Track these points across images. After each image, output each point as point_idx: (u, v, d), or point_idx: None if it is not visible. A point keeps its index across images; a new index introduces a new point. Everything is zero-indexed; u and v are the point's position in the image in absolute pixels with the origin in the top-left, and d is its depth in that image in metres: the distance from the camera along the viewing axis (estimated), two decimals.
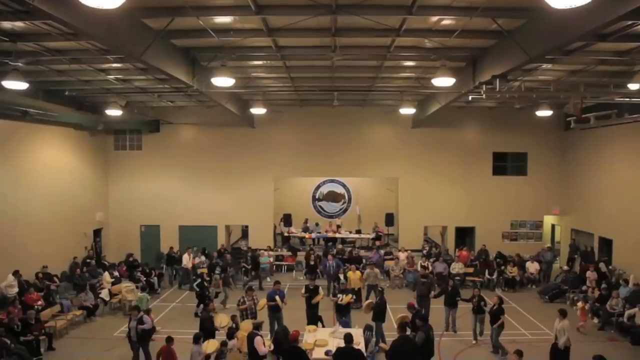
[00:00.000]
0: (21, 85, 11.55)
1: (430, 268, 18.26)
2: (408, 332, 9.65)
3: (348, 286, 14.80)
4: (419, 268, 18.42)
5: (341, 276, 15.38)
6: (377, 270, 15.94)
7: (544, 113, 16.31)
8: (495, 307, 11.75)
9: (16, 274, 14.01)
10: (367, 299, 14.88)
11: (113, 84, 15.38)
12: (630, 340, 12.56)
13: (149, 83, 15.63)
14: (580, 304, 13.83)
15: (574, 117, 14.91)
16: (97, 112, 18.97)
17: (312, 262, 16.31)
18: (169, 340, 9.93)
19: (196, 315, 14.06)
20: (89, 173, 19.74)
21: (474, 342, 12.48)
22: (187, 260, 18.23)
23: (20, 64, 11.66)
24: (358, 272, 15.42)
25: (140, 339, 10.81)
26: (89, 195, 19.69)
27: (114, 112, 16.70)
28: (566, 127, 19.45)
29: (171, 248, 19.66)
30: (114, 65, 13.06)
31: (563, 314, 10.32)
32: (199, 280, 15.63)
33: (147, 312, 12.29)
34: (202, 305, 14.09)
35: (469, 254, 19.07)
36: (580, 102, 13.30)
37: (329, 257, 16.02)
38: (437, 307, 13.66)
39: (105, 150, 21.08)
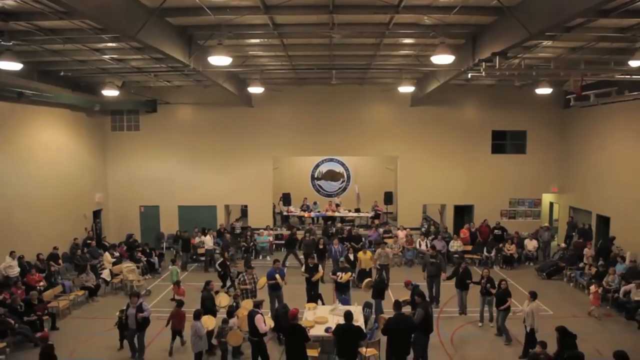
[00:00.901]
0: (15, 66, 11.38)
1: (430, 246, 18.40)
2: (403, 310, 9.72)
3: (359, 267, 14.83)
4: (420, 247, 18.52)
5: (351, 256, 15.34)
6: (388, 250, 15.88)
7: (544, 91, 16.20)
8: (501, 290, 11.50)
9: (12, 254, 14.04)
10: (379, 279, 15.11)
11: (109, 64, 15.23)
12: (625, 316, 12.76)
13: (145, 63, 15.47)
14: (593, 287, 13.36)
15: (574, 94, 14.79)
16: (93, 93, 18.83)
17: (320, 247, 16.26)
18: (180, 304, 11.01)
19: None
20: (86, 154, 19.66)
21: (480, 324, 12.41)
22: (210, 241, 18.32)
23: (12, 44, 11.47)
24: (369, 253, 15.38)
25: (139, 327, 10.49)
26: (87, 176, 19.66)
27: (110, 93, 16.54)
28: (566, 105, 19.34)
29: (183, 231, 19.60)
30: (109, 44, 12.91)
31: (533, 296, 10.30)
32: (221, 259, 15.74)
33: (177, 283, 12.55)
34: (228, 284, 14.64)
35: (467, 232, 19.18)
36: (580, 79, 13.17)
37: (335, 241, 16.00)
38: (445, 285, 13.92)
39: (103, 131, 20.97)
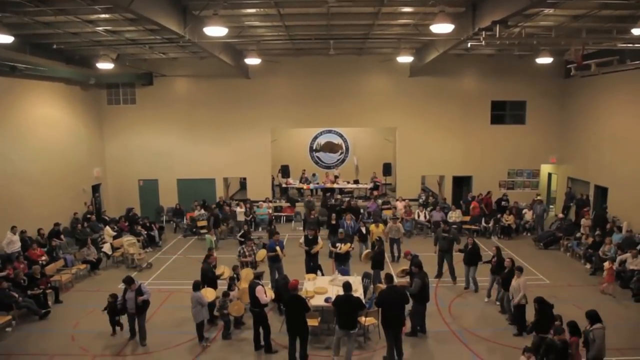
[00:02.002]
0: (6, 39, 11.16)
1: (428, 217, 18.55)
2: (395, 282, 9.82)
3: (371, 240, 14.88)
4: (418, 218, 18.59)
5: (363, 229, 15.38)
6: (399, 224, 16.02)
7: (544, 60, 16.00)
8: (507, 270, 10.92)
9: (14, 229, 14.10)
10: (391, 251, 15.39)
11: (102, 36, 14.95)
12: (620, 284, 12.92)
13: (140, 34, 15.20)
14: (607, 264, 12.76)
15: (575, 64, 14.60)
16: (87, 66, 18.56)
17: (333, 222, 16.23)
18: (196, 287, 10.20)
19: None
20: (83, 128, 19.52)
21: (486, 299, 12.18)
22: (240, 213, 18.60)
23: (2, 16, 11.23)
24: (381, 226, 15.58)
25: (140, 310, 9.96)
26: (85, 151, 19.57)
27: (105, 66, 16.30)
28: (566, 75, 19.15)
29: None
30: (102, 16, 12.65)
31: (520, 270, 10.19)
32: (242, 231, 15.87)
33: (210, 250, 12.45)
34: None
35: (478, 204, 19.16)
36: (581, 48, 12.99)
37: (347, 216, 15.88)
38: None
39: (99, 105, 20.76)
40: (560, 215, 18.75)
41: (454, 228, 14.79)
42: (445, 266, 13.69)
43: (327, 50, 17.37)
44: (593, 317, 8.13)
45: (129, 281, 10.05)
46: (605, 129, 17.63)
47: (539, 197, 19.48)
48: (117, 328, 10.61)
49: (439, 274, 13.79)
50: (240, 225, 18.52)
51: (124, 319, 10.51)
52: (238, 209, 19.11)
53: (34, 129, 16.34)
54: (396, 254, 15.61)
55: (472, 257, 12.64)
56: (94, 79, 18.78)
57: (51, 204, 16.75)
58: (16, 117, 15.58)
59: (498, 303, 11.56)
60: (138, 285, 10.03)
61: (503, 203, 19.80)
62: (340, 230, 14.47)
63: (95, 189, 20.43)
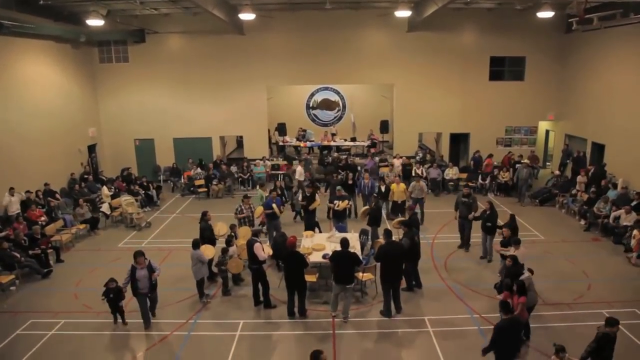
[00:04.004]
0: None
1: (425, 174, 18.58)
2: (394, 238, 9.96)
3: (391, 199, 14.77)
4: (422, 175, 18.44)
5: (382, 187, 15.07)
6: (422, 183, 15.07)
7: (545, 14, 15.60)
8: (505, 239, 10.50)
9: (11, 191, 14.11)
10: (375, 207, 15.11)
11: None
12: (613, 240, 13.16)
13: None
14: (636, 232, 12.03)
15: (576, 18, 14.28)
16: (77, 23, 18.00)
17: (350, 182, 15.97)
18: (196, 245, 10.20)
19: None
20: (76, 88, 19.19)
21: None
22: (300, 172, 18.01)
23: None
24: (402, 185, 14.89)
25: (153, 288, 9.20)
26: (79, 110, 19.31)
27: (95, 22, 15.77)
28: (567, 30, 18.76)
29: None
30: None
31: (517, 242, 9.68)
32: (302, 193, 15.78)
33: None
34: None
35: (492, 161, 19.03)
36: (584, 1, 12.68)
37: (365, 176, 15.52)
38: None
39: (91, 64, 20.33)
40: (557, 172, 18.82)
41: (473, 194, 13.23)
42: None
43: (323, 5, 16.89)
44: (514, 274, 8.29)
45: (140, 254, 9.03)
46: (605, 85, 17.41)
47: (524, 161, 18.67)
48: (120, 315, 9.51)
49: (463, 244, 12.92)
50: (301, 186, 17.00)
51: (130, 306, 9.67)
52: (298, 168, 18.21)
53: (25, 89, 16.04)
54: (419, 215, 14.49)
55: (486, 223, 11.76)
56: (84, 36, 18.29)
57: (47, 165, 16.68)
58: (6, 77, 15.24)
59: (499, 275, 10.59)
60: (148, 262, 9.07)
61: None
62: (338, 187, 14.53)
63: (92, 149, 20.31)
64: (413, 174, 18.15)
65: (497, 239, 11.48)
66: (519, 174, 17.35)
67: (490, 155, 19.37)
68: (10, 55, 15.44)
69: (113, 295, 9.17)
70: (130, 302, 9.61)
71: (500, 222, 11.80)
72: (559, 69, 20.42)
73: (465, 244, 12.90)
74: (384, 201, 15.16)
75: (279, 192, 14.15)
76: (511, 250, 9.59)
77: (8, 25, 14.30)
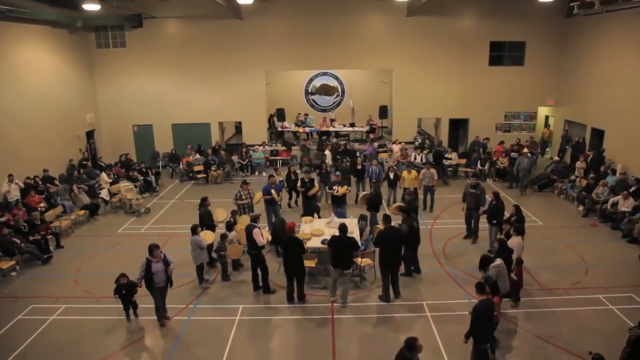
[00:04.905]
0: None
1: (425, 159, 18.53)
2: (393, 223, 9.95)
3: (402, 186, 14.67)
4: (415, 160, 18.51)
5: (391, 174, 14.97)
6: (433, 170, 14.80)
7: None
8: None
9: (10, 177, 14.06)
10: (424, 200, 14.87)
11: None
12: (611, 225, 13.22)
13: None
14: None
15: (578, 1, 14.14)
16: (73, 8, 17.78)
17: (359, 167, 15.96)
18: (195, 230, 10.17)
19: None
20: (74, 74, 19.03)
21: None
22: (329, 156, 18.01)
23: None
24: (414, 172, 14.82)
25: (169, 282, 8.85)
26: (76, 96, 19.18)
27: (91, 7, 15.59)
28: (568, 14, 18.59)
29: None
30: None
31: (516, 231, 9.45)
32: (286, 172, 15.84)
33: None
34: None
35: (503, 148, 18.88)
36: None
37: (373, 162, 15.50)
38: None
39: (88, 49, 20.13)
40: (556, 158, 18.82)
41: (481, 185, 12.54)
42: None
43: None
44: (485, 261, 8.23)
45: (155, 246, 8.63)
46: (605, 70, 17.29)
47: (525, 151, 17.76)
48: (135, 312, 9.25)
49: (469, 234, 12.62)
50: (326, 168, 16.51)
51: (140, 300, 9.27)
52: (327, 152, 18.20)
53: (22, 75, 15.89)
54: (429, 203, 14.86)
55: (495, 215, 11.23)
56: (80, 21, 18.10)
57: (45, 151, 16.63)
58: (1, 62, 15.07)
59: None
60: (163, 255, 8.73)
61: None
62: (337, 172, 14.52)
63: (90, 135, 20.24)
64: (445, 157, 18.16)
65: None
66: (519, 163, 16.65)
67: (502, 142, 19.15)
68: (6, 41, 15.27)
69: (125, 291, 8.88)
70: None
71: (506, 214, 11.46)
72: (559, 54, 20.28)
73: (472, 235, 12.54)
74: (392, 189, 15.04)
75: (294, 177, 14.10)
76: (512, 239, 9.36)
77: (3, 10, 14.18)
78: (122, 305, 9.07)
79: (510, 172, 17.55)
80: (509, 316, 8.90)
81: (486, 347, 6.96)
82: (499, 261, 8.22)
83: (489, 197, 12.11)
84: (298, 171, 16.49)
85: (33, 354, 8.15)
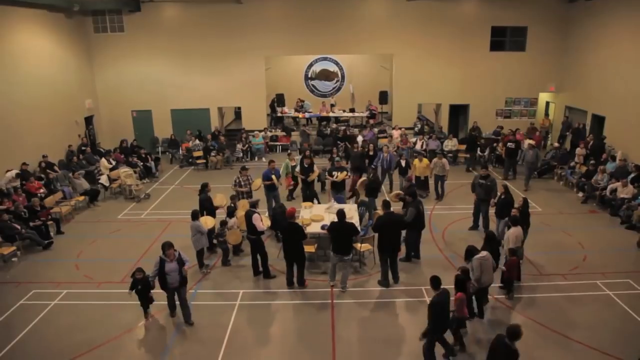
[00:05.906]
0: None
1: (425, 145, 18.50)
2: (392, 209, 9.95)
3: (413, 174, 14.57)
4: (414, 146, 18.50)
5: (403, 162, 14.69)
6: (444, 160, 14.56)
7: None
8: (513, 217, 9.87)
9: (10, 171, 14.04)
10: (435, 189, 14.72)
11: None
12: (610, 212, 13.26)
13: None
14: None
15: None
16: None
17: (371, 153, 15.84)
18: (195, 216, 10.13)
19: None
20: (72, 59, 18.87)
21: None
22: (360, 140, 18.00)
23: None
24: (425, 160, 14.70)
25: (182, 283, 8.34)
26: (75, 82, 19.05)
27: None
28: None
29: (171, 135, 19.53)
30: None
31: (514, 222, 9.43)
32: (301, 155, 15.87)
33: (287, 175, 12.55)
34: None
35: (522, 134, 18.76)
36: None
37: (385, 149, 15.30)
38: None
39: (86, 34, 19.95)
40: (556, 144, 18.78)
41: (492, 177, 12.15)
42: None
43: None
44: (470, 252, 8.15)
45: (169, 245, 8.20)
46: (607, 56, 17.16)
47: (530, 142, 17.15)
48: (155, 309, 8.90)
49: (475, 226, 12.25)
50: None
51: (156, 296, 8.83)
52: (359, 137, 18.15)
53: (19, 59, 15.74)
54: (440, 192, 14.63)
55: (504, 209, 10.81)
56: (77, 5, 17.86)
57: (44, 137, 16.55)
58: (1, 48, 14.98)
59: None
60: (178, 254, 8.29)
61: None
62: (337, 158, 14.48)
63: (89, 120, 20.16)
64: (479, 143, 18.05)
65: None
66: (525, 155, 16.03)
67: (517, 130, 18.96)
68: (1, 25, 15.10)
69: (141, 287, 8.40)
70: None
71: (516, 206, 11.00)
72: (561, 40, 20.12)
73: (477, 227, 12.20)
74: (403, 177, 14.64)
75: (310, 162, 13.79)
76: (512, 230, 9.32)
77: None
78: (138, 302, 8.57)
79: (506, 162, 17.03)
80: (504, 300, 8.99)
81: (439, 338, 7.09)
82: (483, 253, 8.19)
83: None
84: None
85: (35, 339, 8.22)
